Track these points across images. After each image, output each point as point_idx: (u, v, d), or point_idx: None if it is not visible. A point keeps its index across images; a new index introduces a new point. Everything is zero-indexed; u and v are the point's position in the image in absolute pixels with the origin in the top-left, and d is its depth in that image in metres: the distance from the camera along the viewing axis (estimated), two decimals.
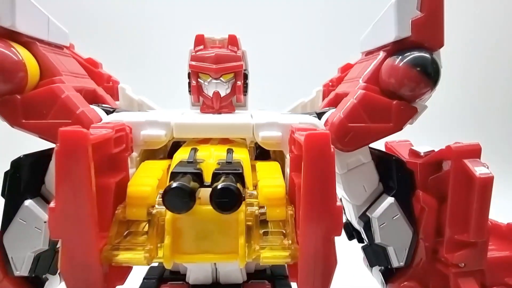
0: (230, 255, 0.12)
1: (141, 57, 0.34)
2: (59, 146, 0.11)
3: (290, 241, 0.12)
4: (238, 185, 0.11)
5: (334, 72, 0.25)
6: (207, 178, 0.12)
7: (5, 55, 0.15)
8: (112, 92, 0.22)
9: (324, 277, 0.11)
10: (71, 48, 0.21)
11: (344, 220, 0.21)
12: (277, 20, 0.63)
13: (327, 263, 0.11)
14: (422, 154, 0.20)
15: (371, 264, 0.19)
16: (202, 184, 0.12)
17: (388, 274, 0.19)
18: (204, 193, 0.12)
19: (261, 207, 0.13)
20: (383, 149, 0.23)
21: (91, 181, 0.11)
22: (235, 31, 0.20)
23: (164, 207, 0.12)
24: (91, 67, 0.23)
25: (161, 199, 0.12)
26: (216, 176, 0.12)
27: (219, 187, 0.11)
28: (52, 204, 0.11)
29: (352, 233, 0.21)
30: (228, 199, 0.11)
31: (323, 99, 0.24)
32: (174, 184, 0.11)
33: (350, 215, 0.21)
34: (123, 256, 0.11)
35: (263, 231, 0.13)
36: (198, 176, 0.12)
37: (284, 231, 0.12)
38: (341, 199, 0.22)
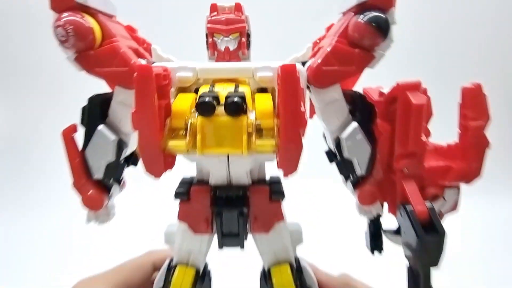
0: (237, 148, 0.19)
1: (161, 22, 0.40)
2: (137, 74, 0.18)
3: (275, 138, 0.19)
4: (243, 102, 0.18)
5: (322, 32, 0.31)
6: (222, 101, 0.19)
7: (81, 23, 0.21)
8: (146, 52, 0.29)
9: (295, 156, 0.18)
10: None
11: (326, 149, 0.28)
12: None
13: (297, 147, 0.18)
14: (386, 93, 0.26)
15: (342, 173, 0.25)
16: (218, 104, 0.19)
17: (356, 183, 0.26)
18: (220, 110, 0.19)
19: (257, 122, 0.20)
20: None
21: (155, 97, 0.18)
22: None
23: (196, 118, 0.19)
24: (130, 32, 0.29)
25: (194, 115, 0.19)
26: (227, 99, 0.18)
27: (229, 101, 0.18)
28: (133, 109, 0.18)
29: (332, 158, 0.28)
30: (236, 107, 0.18)
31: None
32: (206, 99, 0.18)
33: (329, 142, 0.27)
34: (172, 144, 0.19)
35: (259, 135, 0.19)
36: (216, 99, 0.19)
37: (271, 135, 0.19)
38: (324, 133, 0.29)
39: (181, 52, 0.30)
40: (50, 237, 0.59)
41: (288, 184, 0.28)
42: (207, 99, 0.18)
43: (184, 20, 0.40)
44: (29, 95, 0.82)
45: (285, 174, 0.20)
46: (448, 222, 0.30)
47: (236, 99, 0.18)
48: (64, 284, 0.30)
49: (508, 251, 0.54)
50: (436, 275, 0.32)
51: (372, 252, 0.31)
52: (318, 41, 0.31)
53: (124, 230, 0.40)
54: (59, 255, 0.54)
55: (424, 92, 0.27)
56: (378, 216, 0.29)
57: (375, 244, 0.31)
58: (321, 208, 0.40)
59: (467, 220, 0.60)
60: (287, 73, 0.17)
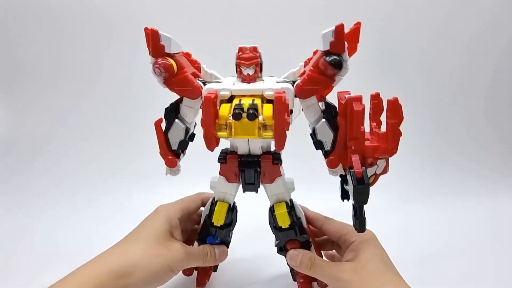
0: (253, 135, 0.33)
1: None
2: (205, 98, 0.32)
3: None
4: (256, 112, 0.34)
5: (310, 53, 0.44)
6: (245, 109, 0.35)
7: (168, 64, 0.36)
8: (198, 71, 0.45)
9: (282, 141, 0.33)
10: None
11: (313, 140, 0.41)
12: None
13: (283, 136, 0.32)
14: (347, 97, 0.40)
15: (317, 148, 0.41)
16: (243, 112, 0.35)
17: (326, 155, 0.42)
18: (244, 116, 0.34)
19: (263, 122, 0.36)
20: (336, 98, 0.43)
21: (213, 110, 0.33)
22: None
23: (231, 120, 0.35)
24: (187, 57, 0.45)
25: (230, 118, 0.35)
26: (248, 110, 0.34)
27: (249, 113, 0.33)
28: (202, 117, 0.35)
29: (312, 138, 0.43)
30: (252, 116, 0.32)
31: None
32: (237, 112, 0.33)
33: (311, 129, 0.42)
34: (219, 134, 0.34)
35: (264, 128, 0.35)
36: (242, 109, 0.35)
37: (271, 128, 0.35)
38: (308, 124, 0.44)
39: (218, 68, 0.46)
40: (49, 237, 0.59)
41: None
42: (237, 111, 0.32)
43: (220, 50, 0.55)
44: (29, 96, 0.85)
45: (278, 150, 0.36)
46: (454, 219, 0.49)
47: (251, 111, 0.32)
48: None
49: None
50: (440, 272, 0.49)
51: (343, 200, 0.47)
52: (308, 60, 0.46)
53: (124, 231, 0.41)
54: (59, 255, 0.53)
55: (377, 95, 0.41)
56: (343, 176, 0.45)
57: (344, 194, 0.47)
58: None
59: (470, 218, 0.66)
60: (278, 99, 0.32)
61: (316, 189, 0.61)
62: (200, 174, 0.46)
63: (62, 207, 0.70)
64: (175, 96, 0.38)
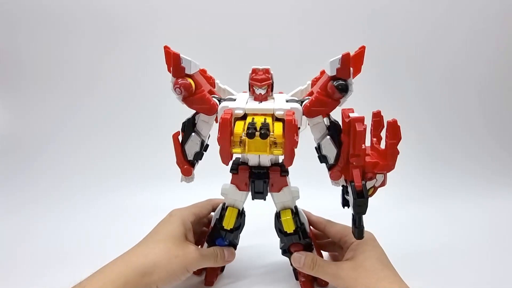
0: (264, 152, 0.35)
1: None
2: (222, 119, 0.33)
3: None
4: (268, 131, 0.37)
5: (318, 71, 0.46)
6: (258, 128, 0.38)
7: (187, 84, 0.39)
8: (212, 86, 0.48)
9: (291, 158, 0.36)
10: None
11: (318, 154, 0.42)
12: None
13: (292, 154, 0.35)
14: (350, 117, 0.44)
15: (321, 162, 0.45)
16: (256, 131, 0.38)
17: (329, 168, 0.45)
18: (257, 134, 0.37)
19: (274, 139, 0.39)
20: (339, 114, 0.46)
21: (231, 127, 0.36)
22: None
23: (245, 137, 0.38)
24: (202, 73, 0.48)
25: (244, 135, 0.39)
26: (261, 129, 0.35)
27: (262, 132, 0.36)
28: (218, 135, 0.37)
29: (317, 153, 0.46)
30: (265, 136, 0.34)
31: (311, 88, 0.48)
32: (250, 130, 0.36)
33: (316, 145, 0.46)
34: (234, 150, 0.36)
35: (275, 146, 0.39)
36: (255, 128, 0.38)
37: (281, 146, 0.38)
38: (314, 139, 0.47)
39: (231, 83, 0.49)
40: (50, 238, 0.59)
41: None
42: (251, 130, 0.34)
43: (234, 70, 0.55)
44: (30, 96, 0.84)
45: (286, 166, 0.40)
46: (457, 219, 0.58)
47: (263, 131, 0.33)
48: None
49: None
50: (438, 271, 0.51)
51: (343, 207, 0.51)
52: (315, 79, 0.49)
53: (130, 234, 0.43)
54: (60, 256, 0.53)
55: (378, 113, 0.45)
56: (344, 186, 0.49)
57: (345, 202, 0.51)
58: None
59: (469, 217, 0.68)
60: (289, 122, 0.35)
61: (315, 188, 0.65)
62: (199, 175, 0.48)
63: (63, 207, 0.70)
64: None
